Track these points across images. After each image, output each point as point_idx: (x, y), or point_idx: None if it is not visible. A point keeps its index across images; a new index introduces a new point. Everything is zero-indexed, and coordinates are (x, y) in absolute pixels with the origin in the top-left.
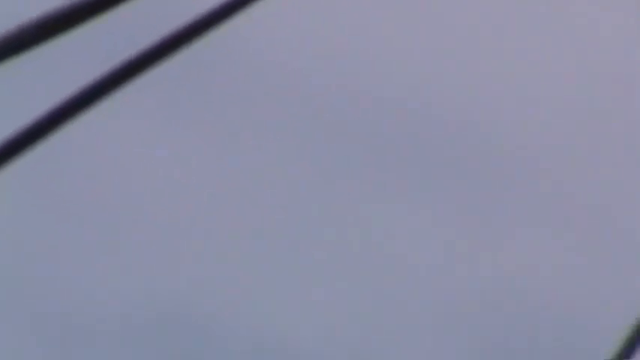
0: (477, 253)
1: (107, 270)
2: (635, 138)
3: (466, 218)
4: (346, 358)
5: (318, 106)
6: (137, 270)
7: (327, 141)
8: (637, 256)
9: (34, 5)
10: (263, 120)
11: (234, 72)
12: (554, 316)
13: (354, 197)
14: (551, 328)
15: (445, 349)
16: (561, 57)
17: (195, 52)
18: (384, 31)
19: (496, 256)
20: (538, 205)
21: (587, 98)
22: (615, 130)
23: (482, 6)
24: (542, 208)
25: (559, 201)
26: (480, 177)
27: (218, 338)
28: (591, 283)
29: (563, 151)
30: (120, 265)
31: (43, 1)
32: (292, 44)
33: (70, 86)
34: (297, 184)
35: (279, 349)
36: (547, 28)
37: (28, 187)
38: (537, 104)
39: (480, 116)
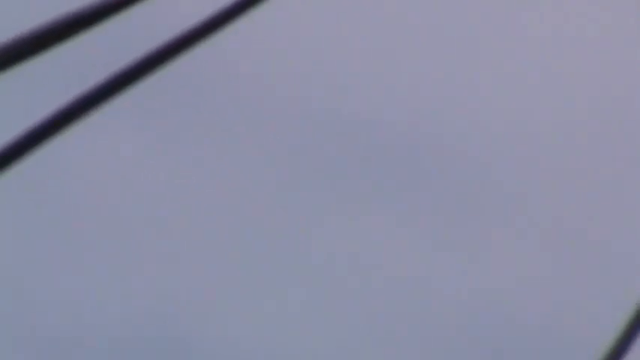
0: (452, 266)
1: (91, 284)
2: (616, 150)
3: (442, 230)
4: None
5: (292, 119)
6: (120, 284)
7: (301, 153)
8: (617, 268)
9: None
10: (235, 133)
11: (214, 86)
12: (534, 329)
13: (329, 209)
14: (530, 341)
15: None
16: (539, 67)
17: (178, 67)
18: (355, 44)
19: (473, 269)
20: (517, 217)
21: (571, 109)
22: (596, 143)
23: (457, 16)
24: (521, 220)
25: (539, 214)
26: (457, 190)
27: (198, 352)
28: (572, 296)
29: (543, 164)
30: (104, 278)
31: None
32: (269, 58)
33: (57, 100)
34: (271, 196)
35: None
36: (526, 37)
37: (11, 202)
38: (517, 115)
39: (457, 127)
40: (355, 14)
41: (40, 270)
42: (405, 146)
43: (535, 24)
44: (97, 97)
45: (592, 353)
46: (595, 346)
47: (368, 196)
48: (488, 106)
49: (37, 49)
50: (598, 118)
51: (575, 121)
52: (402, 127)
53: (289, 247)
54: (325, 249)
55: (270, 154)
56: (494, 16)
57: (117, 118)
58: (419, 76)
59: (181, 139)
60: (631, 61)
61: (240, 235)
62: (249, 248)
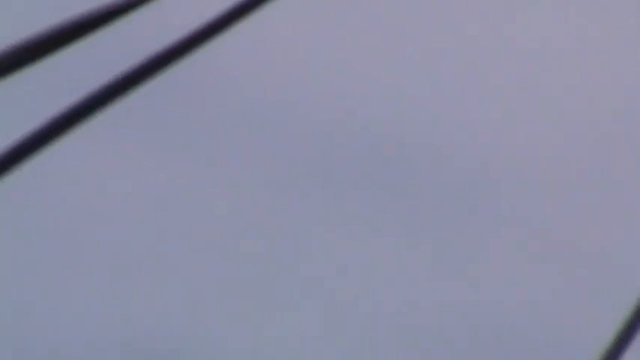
0: (443, 282)
1: (79, 300)
2: (614, 164)
3: (433, 245)
4: None
5: (289, 131)
6: (107, 299)
7: (293, 166)
8: (610, 284)
9: None
10: (234, 141)
11: (208, 97)
12: (524, 347)
13: (320, 222)
14: (533, 353)
15: None
16: (536, 76)
17: (176, 73)
18: (357, 52)
19: (463, 286)
20: (508, 233)
21: (568, 117)
22: (593, 158)
23: (452, 26)
24: (512, 236)
25: (531, 229)
26: (449, 203)
27: None
28: (563, 315)
29: (538, 177)
30: (102, 290)
31: None
32: (269, 64)
33: (53, 107)
34: (266, 211)
35: None
36: (522, 49)
37: (7, 210)
38: (512, 126)
39: (449, 139)
40: (354, 20)
41: (34, 280)
42: (400, 160)
43: (531, 31)
44: (94, 103)
45: None
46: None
47: (358, 211)
48: (483, 115)
49: (34, 57)
50: (596, 126)
51: (573, 129)
52: (399, 138)
53: (289, 261)
54: (324, 263)
55: (271, 163)
56: (492, 23)
57: (114, 124)
58: (420, 87)
59: (179, 146)
60: (632, 66)
61: (240, 248)
62: (249, 262)
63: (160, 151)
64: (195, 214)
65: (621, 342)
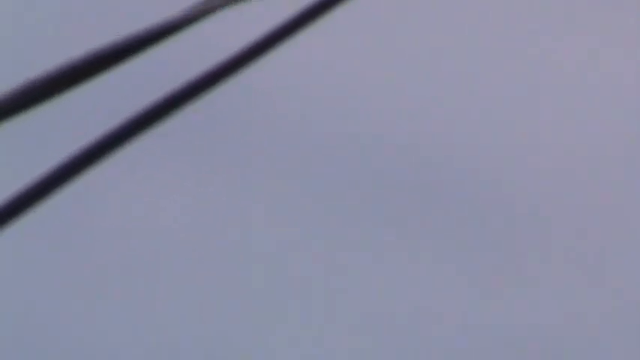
0: (483, 305)
1: (116, 328)
2: None
3: (474, 268)
4: None
5: (329, 155)
6: (149, 326)
7: (335, 190)
8: None
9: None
10: (274, 168)
11: (247, 122)
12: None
13: (362, 246)
14: None
15: None
16: (580, 105)
17: (210, 102)
18: (394, 79)
19: (504, 309)
20: (550, 257)
21: (604, 132)
22: (631, 184)
23: (491, 53)
24: (553, 261)
25: (571, 255)
26: (490, 229)
27: None
28: (601, 339)
29: (579, 205)
30: (140, 315)
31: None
32: (304, 94)
33: (85, 137)
34: (308, 234)
35: None
36: (561, 75)
37: (37, 243)
38: (554, 155)
39: (493, 165)
40: (389, 47)
41: (83, 302)
42: (442, 184)
43: (556, 46)
44: (137, 126)
45: None
46: None
47: (400, 234)
48: (529, 139)
49: (76, 81)
50: (633, 141)
51: (609, 143)
52: (441, 163)
53: (333, 285)
54: (369, 288)
55: (315, 188)
56: (516, 40)
57: (158, 147)
58: (460, 111)
59: (224, 170)
60: None
61: (278, 275)
62: (294, 285)
63: (205, 173)
64: (238, 237)
65: None
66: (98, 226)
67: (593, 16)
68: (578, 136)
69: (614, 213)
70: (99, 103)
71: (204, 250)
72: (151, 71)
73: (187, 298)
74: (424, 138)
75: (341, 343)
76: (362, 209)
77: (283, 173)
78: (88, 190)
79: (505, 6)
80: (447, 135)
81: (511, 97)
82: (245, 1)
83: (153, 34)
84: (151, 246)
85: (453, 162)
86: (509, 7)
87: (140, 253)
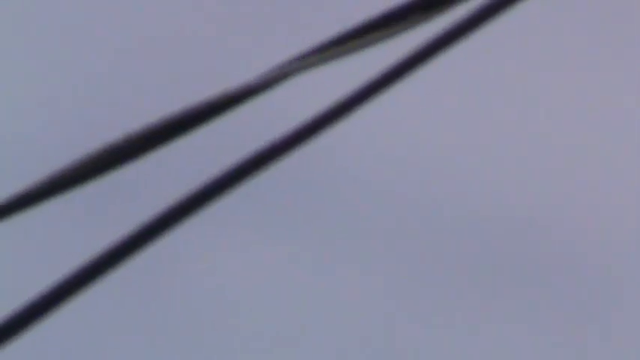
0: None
1: None
2: None
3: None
4: None
5: (407, 221)
6: None
7: (413, 249)
8: None
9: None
10: (355, 239)
11: (324, 188)
12: None
13: (439, 315)
14: None
15: None
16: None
17: (286, 167)
18: (460, 139)
19: None
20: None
21: None
22: None
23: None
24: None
25: None
26: (566, 295)
27: None
28: None
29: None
30: None
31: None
32: (380, 159)
33: (161, 203)
34: (390, 304)
35: None
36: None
37: (119, 305)
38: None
39: (564, 225)
40: (462, 109)
41: None
42: (517, 247)
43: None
44: (210, 193)
45: None
46: None
47: (492, 297)
48: (608, 203)
49: (148, 147)
50: None
51: None
52: (520, 227)
53: (411, 355)
54: (430, 351)
55: (394, 259)
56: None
57: (231, 218)
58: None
59: (299, 238)
60: None
61: (354, 347)
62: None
63: (280, 239)
64: (313, 305)
65: None
66: (172, 294)
67: None
68: None
69: None
70: (175, 168)
71: (282, 319)
72: (228, 136)
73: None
74: (508, 202)
75: None
76: (441, 278)
77: (363, 241)
78: (163, 258)
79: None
80: (532, 201)
81: (592, 156)
82: (319, 66)
83: (229, 99)
84: (226, 316)
85: (536, 229)
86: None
87: (214, 322)
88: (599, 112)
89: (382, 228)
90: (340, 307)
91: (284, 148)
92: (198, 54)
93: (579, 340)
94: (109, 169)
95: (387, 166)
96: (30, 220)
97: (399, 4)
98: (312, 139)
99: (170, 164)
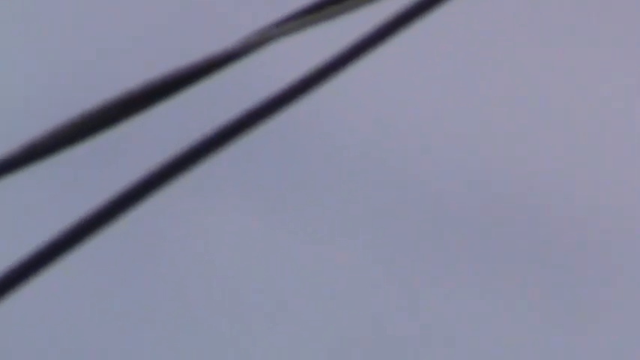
0: (557, 344)
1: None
2: None
3: (548, 310)
4: None
5: (400, 190)
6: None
7: (399, 215)
8: None
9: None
10: (342, 205)
11: (313, 156)
12: None
13: (436, 287)
14: None
15: None
16: None
17: (272, 131)
18: (449, 102)
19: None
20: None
21: None
22: None
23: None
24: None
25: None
26: (570, 270)
27: None
28: None
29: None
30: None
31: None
32: (366, 123)
33: (143, 167)
34: (380, 275)
35: None
36: None
37: (110, 285)
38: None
39: (575, 202)
40: (452, 74)
41: (140, 347)
42: (516, 222)
43: None
44: (193, 157)
45: None
46: None
47: (477, 274)
48: (590, 169)
49: (132, 111)
50: None
51: None
52: (516, 200)
53: (400, 325)
54: (426, 320)
55: (374, 228)
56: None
57: (213, 179)
58: (516, 138)
59: (281, 204)
60: None
61: (347, 315)
62: (358, 330)
63: (267, 208)
64: (299, 274)
65: None
66: (159, 258)
67: None
68: None
69: None
70: (154, 133)
71: (267, 288)
72: (212, 100)
73: (250, 333)
74: (499, 166)
75: None
76: (428, 246)
77: (351, 206)
78: (150, 222)
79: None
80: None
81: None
82: (301, 30)
83: (210, 64)
84: (212, 280)
85: (531, 195)
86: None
87: (199, 287)
88: (592, 69)
89: (370, 193)
90: (327, 273)
91: (269, 111)
92: (180, 20)
93: (576, 312)
94: (95, 133)
95: (374, 130)
96: (12, 184)
97: None
98: (296, 103)
99: (153, 128)
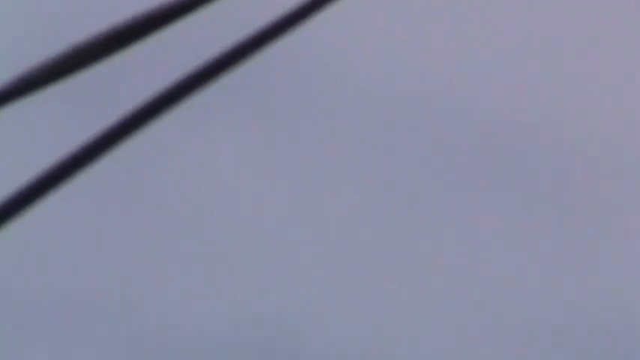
0: (564, 268)
1: (188, 290)
2: None
3: (556, 231)
4: None
5: (383, 110)
6: (216, 288)
7: (395, 144)
8: None
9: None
10: (328, 125)
11: (300, 78)
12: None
13: (430, 203)
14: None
15: None
16: None
17: (262, 58)
18: (451, 31)
19: (585, 273)
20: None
21: None
22: None
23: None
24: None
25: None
26: (574, 188)
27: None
28: None
29: None
30: (200, 283)
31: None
32: (357, 49)
33: (138, 97)
34: (369, 189)
35: None
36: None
37: (101, 204)
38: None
39: (575, 121)
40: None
41: (145, 275)
42: (521, 139)
43: None
44: (177, 94)
45: None
46: None
47: (473, 189)
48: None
49: (123, 43)
50: None
51: None
52: (517, 119)
53: (394, 246)
54: (428, 248)
55: (365, 148)
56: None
57: (195, 115)
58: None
59: (273, 136)
60: None
61: (342, 233)
62: (361, 250)
63: (253, 132)
64: (298, 202)
65: None
66: (152, 185)
67: None
68: None
69: None
70: (150, 64)
71: (273, 211)
72: (207, 29)
73: (256, 258)
74: (487, 88)
75: (420, 300)
76: (416, 160)
77: (343, 133)
78: (144, 149)
79: None
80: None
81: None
82: None
83: None
84: (206, 210)
85: (530, 116)
86: None
87: (193, 210)
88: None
89: (363, 120)
90: (321, 198)
91: (265, 39)
92: None
93: (564, 218)
94: (88, 64)
95: (367, 58)
96: (12, 112)
97: None
98: (292, 31)
99: (148, 59)
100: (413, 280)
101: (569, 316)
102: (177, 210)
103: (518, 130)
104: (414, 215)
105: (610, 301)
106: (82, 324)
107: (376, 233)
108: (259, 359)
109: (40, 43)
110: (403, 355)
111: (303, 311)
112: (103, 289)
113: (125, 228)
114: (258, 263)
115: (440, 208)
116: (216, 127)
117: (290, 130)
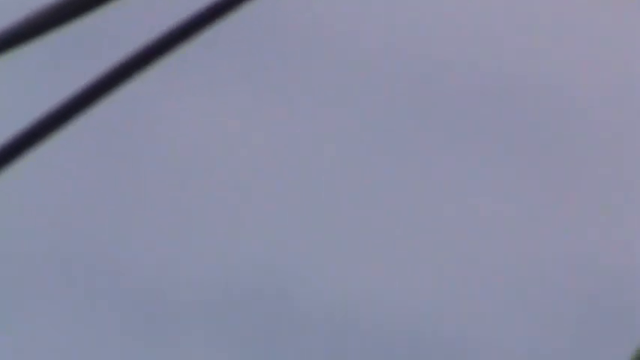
0: (555, 225)
1: (183, 244)
2: None
3: (549, 185)
4: (422, 321)
5: (376, 69)
6: (210, 242)
7: (389, 102)
8: None
9: None
10: (321, 84)
11: (288, 31)
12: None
13: (424, 155)
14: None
15: (516, 314)
16: None
17: (249, 14)
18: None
19: (576, 230)
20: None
21: None
22: None
23: None
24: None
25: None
26: (568, 147)
27: (298, 308)
28: None
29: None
30: (194, 237)
31: None
32: (350, 7)
33: (117, 54)
34: (362, 146)
35: (364, 318)
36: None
37: (95, 162)
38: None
39: (566, 81)
40: None
41: (137, 222)
42: (517, 98)
43: None
44: (163, 48)
45: None
46: None
47: (462, 139)
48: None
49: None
50: None
51: None
52: (513, 78)
53: (390, 198)
54: (426, 200)
55: (358, 107)
56: None
57: (181, 73)
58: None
59: (275, 89)
60: None
61: (341, 186)
62: (351, 199)
63: (242, 90)
64: (294, 156)
65: None
66: (154, 139)
67: None
68: None
69: None
70: (140, 15)
71: (272, 166)
72: None
73: (256, 210)
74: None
75: (415, 252)
76: (423, 127)
77: (325, 86)
78: (129, 103)
79: None
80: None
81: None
82: None
83: None
84: (200, 164)
85: (527, 77)
86: None
87: (205, 170)
88: None
89: (356, 72)
90: (311, 149)
91: None
92: None
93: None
94: (78, 15)
95: (361, 12)
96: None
97: None
98: None
99: (139, 10)
100: (404, 230)
101: (563, 265)
102: (165, 162)
103: (510, 80)
104: (405, 164)
105: (602, 251)
106: (70, 279)
107: (366, 182)
108: (250, 310)
109: None
110: (395, 302)
111: (295, 261)
112: (91, 245)
113: (111, 182)
114: (248, 214)
115: (432, 158)
116: (206, 80)
117: (280, 82)
